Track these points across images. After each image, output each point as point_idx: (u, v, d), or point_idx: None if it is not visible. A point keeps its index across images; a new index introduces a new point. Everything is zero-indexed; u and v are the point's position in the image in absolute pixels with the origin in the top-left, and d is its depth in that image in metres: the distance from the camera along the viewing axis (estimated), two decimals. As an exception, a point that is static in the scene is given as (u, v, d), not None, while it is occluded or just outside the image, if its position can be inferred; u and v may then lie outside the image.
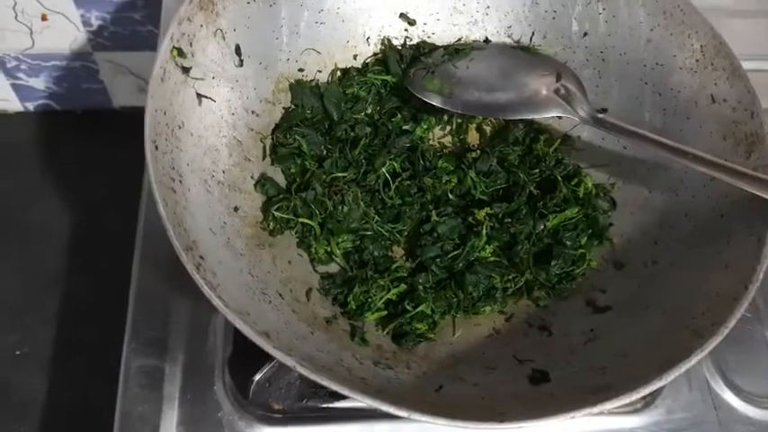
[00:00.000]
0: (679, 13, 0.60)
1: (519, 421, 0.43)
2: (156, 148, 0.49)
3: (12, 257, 0.89)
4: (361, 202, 0.60)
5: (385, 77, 0.66)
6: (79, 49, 0.92)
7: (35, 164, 0.98)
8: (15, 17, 0.86)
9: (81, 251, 0.89)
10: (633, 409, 0.59)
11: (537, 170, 0.63)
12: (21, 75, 0.95)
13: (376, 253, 0.60)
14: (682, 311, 0.51)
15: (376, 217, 0.61)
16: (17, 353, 0.82)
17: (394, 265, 0.60)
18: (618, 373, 0.48)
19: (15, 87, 0.97)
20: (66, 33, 0.89)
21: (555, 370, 0.51)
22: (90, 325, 0.81)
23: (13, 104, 1.00)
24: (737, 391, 0.61)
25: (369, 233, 0.61)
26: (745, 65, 0.57)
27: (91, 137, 1.00)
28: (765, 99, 0.56)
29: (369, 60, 0.67)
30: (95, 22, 0.88)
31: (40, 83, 0.97)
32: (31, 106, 1.01)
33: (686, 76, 0.60)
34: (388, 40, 0.67)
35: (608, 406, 0.44)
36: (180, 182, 0.51)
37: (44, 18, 0.87)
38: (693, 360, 0.45)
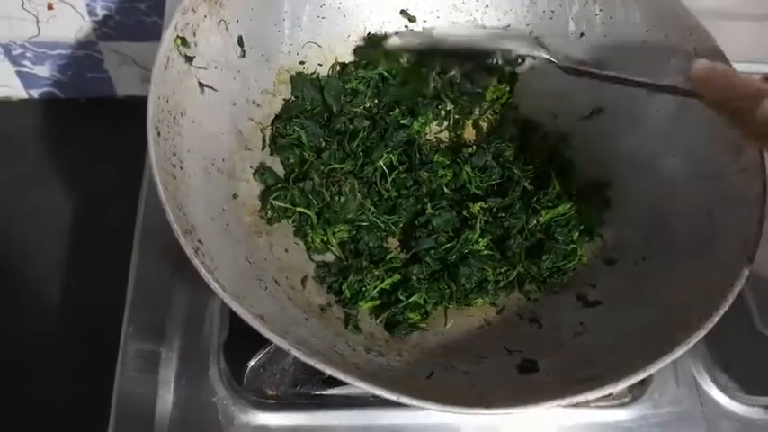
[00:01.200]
0: (673, 16, 0.61)
1: (506, 407, 0.44)
2: (159, 134, 0.50)
3: (14, 242, 0.90)
4: (358, 194, 0.62)
5: (381, 71, 0.67)
6: (84, 38, 0.93)
7: (38, 151, 0.99)
8: (22, 5, 0.87)
9: (83, 237, 0.90)
10: (620, 403, 0.60)
11: (531, 166, 0.65)
12: (26, 62, 0.96)
13: (371, 243, 0.61)
14: (669, 307, 0.52)
15: (372, 208, 0.62)
16: (19, 336, 0.83)
17: (388, 256, 0.61)
18: (605, 364, 0.49)
19: (20, 75, 0.98)
20: (71, 22, 0.90)
21: (544, 360, 0.52)
22: (90, 310, 0.82)
23: (18, 92, 1.01)
24: (724, 387, 0.61)
25: (364, 224, 0.62)
26: (737, 67, 0.58)
27: (94, 125, 1.01)
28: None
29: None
30: (101, 12, 0.89)
31: (44, 71, 0.98)
32: (35, 94, 1.02)
33: (680, 78, 0.61)
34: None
35: (592, 395, 0.45)
36: (180, 168, 0.52)
37: (50, 7, 0.88)
38: (677, 353, 0.46)
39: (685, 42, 0.61)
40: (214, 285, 0.45)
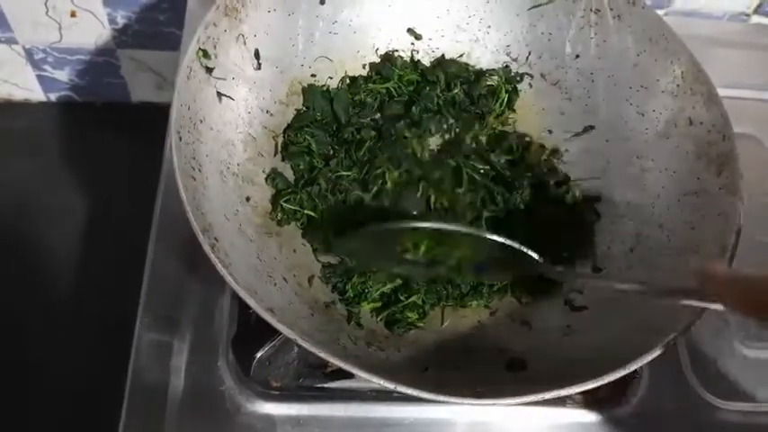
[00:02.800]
0: (663, 41, 0.65)
1: (494, 398, 0.48)
2: (180, 139, 0.54)
3: (29, 238, 0.93)
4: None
5: (386, 85, 0.71)
6: (104, 45, 0.96)
7: (54, 152, 1.03)
8: (46, 12, 0.91)
9: (96, 235, 0.94)
10: (605, 404, 0.63)
11: (530, 173, 0.68)
12: (46, 67, 1.00)
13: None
14: (650, 312, 0.56)
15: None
16: (35, 330, 0.85)
17: None
18: (588, 362, 0.52)
19: (40, 78, 1.02)
20: (92, 30, 0.94)
21: (532, 359, 0.56)
22: (103, 305, 0.85)
23: (37, 94, 1.05)
24: (708, 387, 0.64)
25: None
26: (722, 93, 0.62)
27: (109, 129, 1.04)
28: (736, 124, 0.61)
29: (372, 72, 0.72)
30: (121, 21, 0.93)
31: (63, 75, 1.02)
32: (53, 97, 1.06)
33: (667, 100, 0.65)
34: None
35: (575, 390, 0.48)
36: (199, 171, 0.56)
37: (73, 15, 0.92)
38: (654, 354, 0.50)
39: (674, 66, 0.65)
40: (229, 279, 0.49)
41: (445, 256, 0.58)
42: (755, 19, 0.92)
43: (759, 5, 0.90)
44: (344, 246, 0.61)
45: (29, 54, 0.98)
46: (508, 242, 0.54)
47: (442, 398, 0.47)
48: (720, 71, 0.65)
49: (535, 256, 0.54)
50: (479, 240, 0.55)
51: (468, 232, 0.57)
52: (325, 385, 0.61)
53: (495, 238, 0.54)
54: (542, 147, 0.71)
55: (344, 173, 0.66)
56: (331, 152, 0.68)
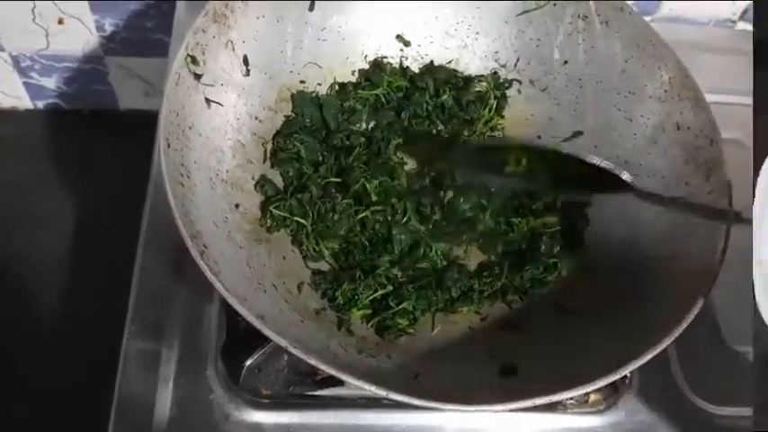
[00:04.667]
0: (650, 47, 0.65)
1: (485, 404, 0.48)
2: (169, 145, 0.54)
3: (18, 246, 0.93)
4: (352, 214, 0.65)
5: (376, 92, 0.71)
6: (91, 52, 0.96)
7: (42, 160, 1.02)
8: (33, 19, 0.91)
9: (83, 242, 0.93)
10: (596, 410, 0.63)
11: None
12: (33, 74, 1.00)
13: (358, 257, 0.63)
14: (640, 316, 0.56)
15: (359, 227, 0.65)
16: (23, 336, 0.85)
17: (378, 270, 0.63)
18: (580, 368, 0.52)
19: (27, 86, 1.02)
20: (80, 37, 0.94)
21: (523, 364, 0.56)
22: (91, 312, 0.85)
23: (24, 102, 1.05)
24: (699, 394, 0.64)
25: (355, 240, 0.65)
26: (709, 98, 0.63)
27: (96, 136, 1.04)
28: (724, 129, 0.61)
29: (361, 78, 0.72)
30: (109, 28, 0.92)
31: (51, 83, 1.01)
32: (40, 104, 1.05)
33: (655, 105, 0.65)
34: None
35: (566, 395, 0.49)
36: (188, 177, 0.55)
37: (60, 22, 0.91)
38: (647, 357, 0.50)
39: (661, 71, 0.65)
40: (219, 286, 0.48)
41: (540, 171, 0.64)
42: (741, 25, 0.93)
43: (744, 12, 0.91)
44: (456, 157, 0.68)
45: (15, 61, 0.97)
46: (596, 162, 0.59)
47: (432, 404, 0.47)
48: (706, 77, 0.65)
49: (626, 176, 0.59)
50: (571, 159, 0.61)
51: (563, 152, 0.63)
52: (316, 393, 0.61)
53: (589, 160, 0.59)
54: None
55: (334, 179, 0.66)
56: (320, 158, 0.67)
